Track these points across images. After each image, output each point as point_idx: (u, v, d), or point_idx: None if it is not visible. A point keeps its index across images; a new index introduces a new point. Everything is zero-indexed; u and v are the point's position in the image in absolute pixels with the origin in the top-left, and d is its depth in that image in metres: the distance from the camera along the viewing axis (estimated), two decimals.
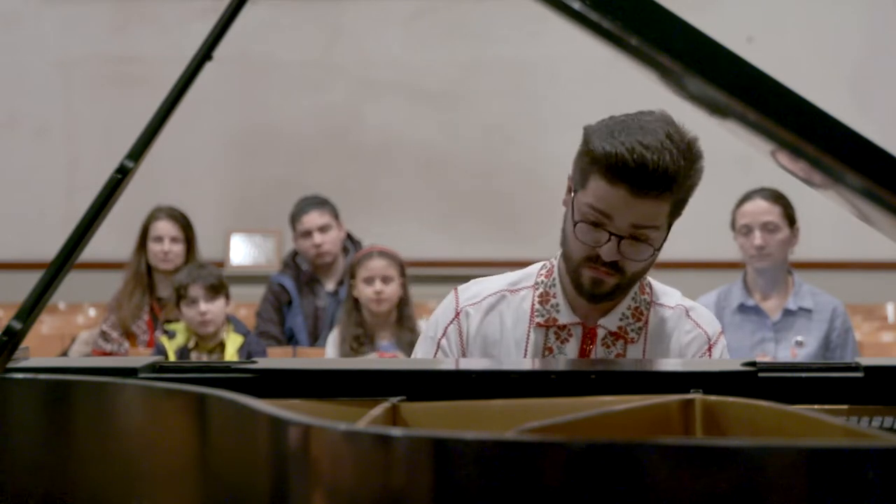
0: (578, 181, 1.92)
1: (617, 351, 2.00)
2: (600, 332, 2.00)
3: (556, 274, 2.02)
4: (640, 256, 1.91)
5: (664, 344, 2.01)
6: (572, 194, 1.95)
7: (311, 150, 6.59)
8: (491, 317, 2.02)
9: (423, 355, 2.05)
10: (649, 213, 1.87)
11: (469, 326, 2.01)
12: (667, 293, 2.07)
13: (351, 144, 6.60)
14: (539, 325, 2.00)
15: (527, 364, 1.95)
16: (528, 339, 2.00)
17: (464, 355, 2.01)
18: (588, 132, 1.92)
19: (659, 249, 1.94)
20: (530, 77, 6.39)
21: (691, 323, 2.04)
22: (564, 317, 2.00)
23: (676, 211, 1.93)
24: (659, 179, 1.84)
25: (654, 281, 2.08)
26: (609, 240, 1.88)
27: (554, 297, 2.01)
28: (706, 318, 2.07)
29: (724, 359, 2.05)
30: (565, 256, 1.98)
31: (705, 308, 2.10)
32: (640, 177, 1.83)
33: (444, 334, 2.02)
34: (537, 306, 2.01)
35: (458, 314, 2.02)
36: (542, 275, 2.04)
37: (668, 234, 1.96)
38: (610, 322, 2.00)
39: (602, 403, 1.58)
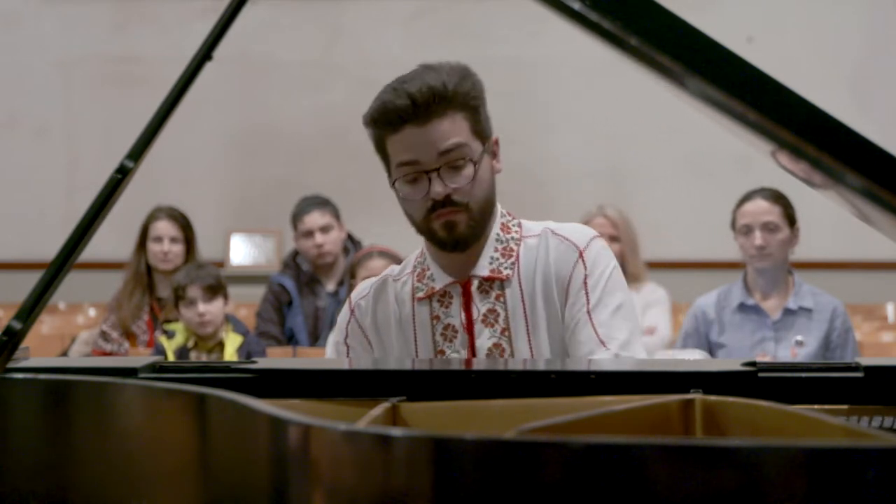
0: (382, 159, 2.01)
1: (495, 293, 2.02)
2: (474, 282, 2.03)
3: (425, 249, 2.08)
4: (466, 178, 1.95)
5: (537, 270, 2.02)
6: (388, 174, 2.01)
7: (311, 150, 6.59)
8: (379, 304, 2.09)
9: None
10: (444, 133, 1.93)
11: (364, 318, 2.10)
12: (535, 225, 2.08)
13: (351, 144, 6.55)
14: (420, 298, 2.05)
15: (527, 364, 1.95)
16: (413, 315, 2.05)
17: (369, 344, 2.09)
18: (363, 117, 1.99)
19: (486, 170, 1.98)
20: (530, 77, 6.39)
21: (558, 238, 2.04)
22: (440, 282, 2.04)
23: (477, 123, 1.97)
24: (430, 98, 1.91)
25: (525, 221, 2.10)
26: (431, 182, 1.93)
27: (428, 269, 2.06)
28: (574, 231, 2.06)
29: (604, 254, 2.03)
30: (416, 228, 2.03)
31: (577, 224, 2.10)
32: (413, 107, 1.91)
33: (346, 335, 2.11)
34: (416, 284, 2.07)
35: (352, 312, 2.11)
36: (417, 258, 2.10)
37: (489, 154, 2.00)
38: (480, 269, 2.03)
39: (602, 403, 1.58)
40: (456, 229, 1.97)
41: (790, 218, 3.86)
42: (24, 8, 6.67)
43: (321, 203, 4.88)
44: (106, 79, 6.63)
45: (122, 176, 1.75)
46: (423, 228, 2.00)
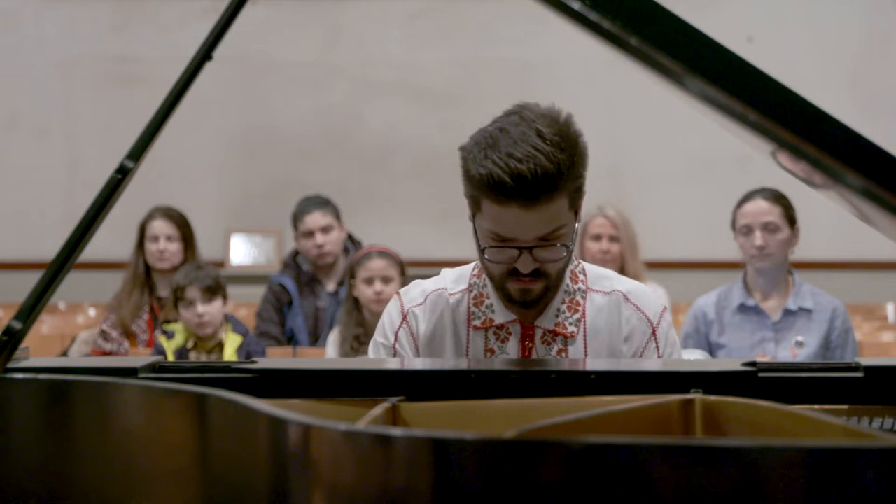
0: (472, 205, 1.92)
1: (558, 347, 1.98)
2: (538, 332, 1.99)
3: (488, 279, 2.01)
4: (557, 256, 1.90)
5: (605, 336, 1.99)
6: (472, 216, 1.93)
7: (311, 150, 6.59)
8: (434, 316, 2.02)
9: None
10: (548, 218, 1.85)
11: (418, 327, 2.02)
12: (601, 277, 2.04)
13: (351, 144, 6.60)
14: (476, 327, 2.00)
15: (527, 364, 1.95)
16: (468, 341, 2.00)
17: (418, 355, 2.02)
18: (463, 156, 1.89)
19: (574, 240, 1.92)
20: (530, 77, 6.39)
21: (631, 308, 2.01)
22: (500, 316, 1.99)
23: (575, 198, 1.89)
24: (542, 185, 1.81)
25: (588, 266, 2.05)
26: (521, 254, 1.88)
27: (487, 297, 2.01)
28: (646, 299, 2.02)
29: (672, 330, 2.03)
30: (487, 274, 1.98)
31: (644, 287, 2.06)
32: (524, 190, 1.81)
33: (396, 339, 2.03)
34: (473, 309, 2.01)
35: (405, 317, 2.03)
36: (474, 276, 2.04)
37: (578, 219, 1.93)
38: (546, 321, 1.98)
39: (602, 403, 1.58)
40: (530, 294, 1.93)
41: (790, 218, 3.86)
42: (24, 8, 6.67)
43: (322, 203, 4.87)
44: (106, 79, 6.63)
45: (122, 176, 1.75)
46: (498, 285, 1.95)
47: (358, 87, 6.58)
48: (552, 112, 1.87)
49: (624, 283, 2.04)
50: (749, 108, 1.42)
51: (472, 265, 2.06)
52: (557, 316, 1.98)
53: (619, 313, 2.00)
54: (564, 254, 1.90)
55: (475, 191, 1.87)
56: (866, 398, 1.71)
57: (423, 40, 6.56)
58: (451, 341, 2.00)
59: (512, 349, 1.99)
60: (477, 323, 2.00)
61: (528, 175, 1.79)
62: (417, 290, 2.05)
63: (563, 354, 1.98)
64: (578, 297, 2.00)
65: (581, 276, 2.02)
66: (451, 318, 2.01)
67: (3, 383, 1.71)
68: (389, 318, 2.05)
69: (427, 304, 2.03)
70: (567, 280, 2.00)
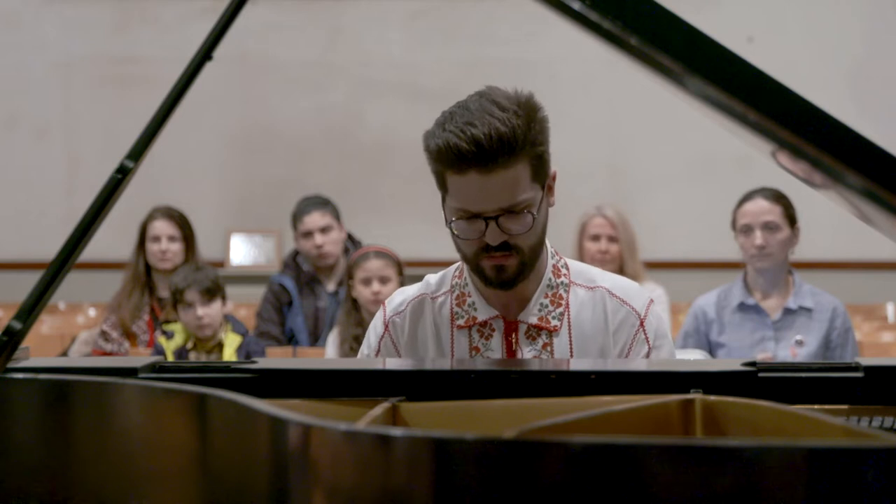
0: (439, 186, 1.94)
1: (542, 341, 1.98)
2: (521, 327, 1.99)
3: (466, 273, 2.02)
4: (524, 227, 1.90)
5: (590, 331, 1.98)
6: (442, 200, 1.95)
7: (311, 150, 6.59)
8: (417, 323, 2.03)
9: None
10: (509, 184, 1.86)
11: (399, 336, 2.03)
12: (585, 273, 2.04)
13: (351, 144, 6.60)
14: (460, 327, 2.01)
15: (527, 364, 1.95)
16: (452, 342, 2.01)
17: None
18: (424, 137, 1.92)
19: (543, 213, 1.93)
20: (530, 77, 6.35)
21: (616, 302, 2.00)
22: (482, 313, 2.00)
23: (539, 168, 1.90)
24: (498, 148, 1.83)
25: (571, 261, 2.06)
26: (487, 225, 1.88)
27: (469, 296, 2.01)
28: (631, 292, 2.02)
29: (661, 322, 2.02)
30: (462, 259, 1.99)
31: (629, 281, 2.06)
32: (481, 155, 1.83)
33: (378, 350, 2.04)
34: (455, 309, 2.02)
35: (386, 327, 2.05)
36: (455, 277, 2.05)
37: (546, 193, 1.94)
38: (529, 315, 1.99)
39: (602, 403, 1.58)
40: (505, 272, 1.92)
41: (790, 218, 3.86)
42: (24, 8, 6.67)
43: (321, 203, 4.87)
44: (106, 79, 6.63)
45: (122, 176, 1.75)
46: (472, 265, 1.95)
47: (358, 87, 6.58)
48: (516, 92, 1.90)
49: (607, 279, 2.04)
50: (749, 108, 1.42)
51: (453, 267, 2.07)
52: (541, 310, 1.99)
53: (605, 309, 1.99)
54: (531, 223, 1.90)
55: (437, 166, 1.90)
56: (866, 398, 1.71)
57: (423, 40, 6.57)
58: (433, 345, 2.01)
59: (496, 345, 1.99)
60: (461, 322, 2.01)
61: (483, 139, 1.82)
62: (400, 298, 2.07)
63: (548, 348, 1.98)
64: (562, 291, 2.00)
65: (564, 271, 2.03)
66: (432, 321, 2.02)
67: (3, 383, 1.72)
68: (374, 328, 2.07)
69: (407, 312, 2.04)
70: (549, 274, 2.00)
